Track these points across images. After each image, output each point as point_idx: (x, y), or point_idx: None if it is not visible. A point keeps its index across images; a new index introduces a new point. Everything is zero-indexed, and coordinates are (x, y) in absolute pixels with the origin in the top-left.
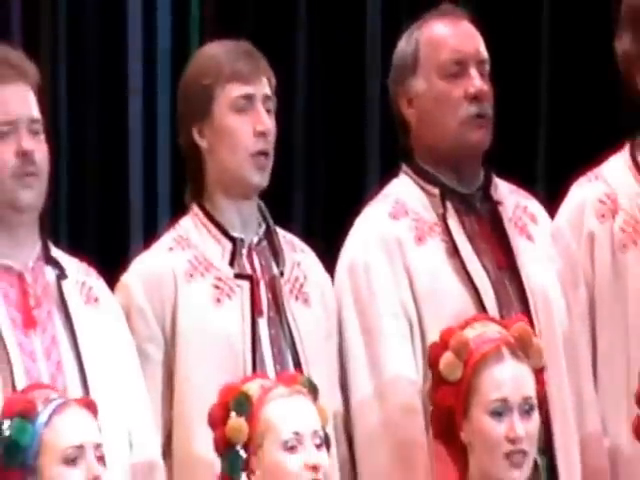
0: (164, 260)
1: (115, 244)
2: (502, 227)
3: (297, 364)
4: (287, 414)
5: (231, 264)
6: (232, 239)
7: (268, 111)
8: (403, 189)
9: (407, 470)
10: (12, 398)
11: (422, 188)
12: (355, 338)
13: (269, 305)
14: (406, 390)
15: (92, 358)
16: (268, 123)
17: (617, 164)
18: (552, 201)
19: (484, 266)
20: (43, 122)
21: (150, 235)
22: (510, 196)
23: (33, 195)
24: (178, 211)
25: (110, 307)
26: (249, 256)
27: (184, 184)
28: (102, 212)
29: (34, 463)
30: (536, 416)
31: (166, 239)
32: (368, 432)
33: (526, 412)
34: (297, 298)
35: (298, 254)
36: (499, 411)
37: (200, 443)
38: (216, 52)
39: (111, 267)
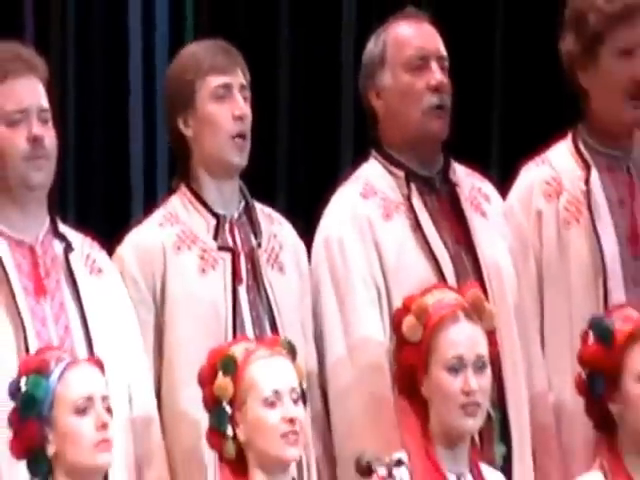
0: (155, 234)
1: (117, 220)
2: (459, 206)
3: (273, 327)
4: (268, 374)
5: (215, 238)
6: (216, 215)
7: (244, 98)
8: (372, 172)
9: (376, 421)
10: (28, 358)
11: (389, 171)
12: (330, 304)
13: (248, 274)
14: (375, 350)
15: (96, 322)
16: (244, 108)
17: (561, 150)
18: (504, 183)
19: (444, 241)
20: (51, 111)
21: (149, 213)
22: (466, 178)
23: (43, 176)
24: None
25: (112, 277)
26: (231, 230)
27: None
28: (105, 191)
29: (48, 414)
30: (488, 372)
31: (156, 215)
32: (341, 387)
33: (479, 368)
34: (273, 267)
35: (275, 226)
36: (455, 367)
37: (186, 400)
38: (195, 50)
39: (114, 240)
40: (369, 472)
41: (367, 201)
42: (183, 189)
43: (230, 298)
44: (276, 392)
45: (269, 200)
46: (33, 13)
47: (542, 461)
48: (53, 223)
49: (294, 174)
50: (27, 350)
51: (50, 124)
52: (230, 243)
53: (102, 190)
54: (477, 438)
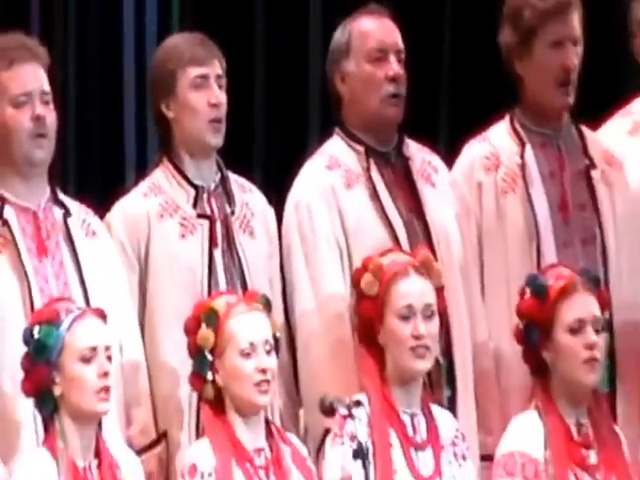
0: (140, 203)
1: (112, 190)
2: (412, 178)
3: (244, 286)
4: (245, 328)
5: (194, 207)
6: (195, 187)
7: (220, 87)
8: (336, 147)
9: (338, 366)
10: (40, 309)
11: (350, 147)
12: (298, 262)
13: (223, 239)
14: (338, 303)
15: (92, 279)
16: (220, 96)
17: (500, 129)
18: (450, 157)
19: (398, 208)
20: (52, 94)
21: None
22: (418, 153)
23: (44, 152)
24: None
25: (105, 239)
26: (208, 200)
27: None
28: (101, 164)
29: (57, 360)
30: (436, 320)
31: (141, 187)
32: (307, 336)
33: (427, 316)
34: (245, 232)
35: (247, 194)
36: (406, 315)
37: (165, 350)
38: (177, 42)
39: (108, 208)
40: (331, 412)
41: (331, 172)
42: (166, 163)
43: (207, 260)
44: (251, 344)
45: (246, 173)
46: (39, 8)
47: (483, 403)
48: (53, 192)
49: (268, 150)
50: (31, 302)
51: (51, 105)
52: (207, 211)
53: (98, 164)
54: (428, 382)
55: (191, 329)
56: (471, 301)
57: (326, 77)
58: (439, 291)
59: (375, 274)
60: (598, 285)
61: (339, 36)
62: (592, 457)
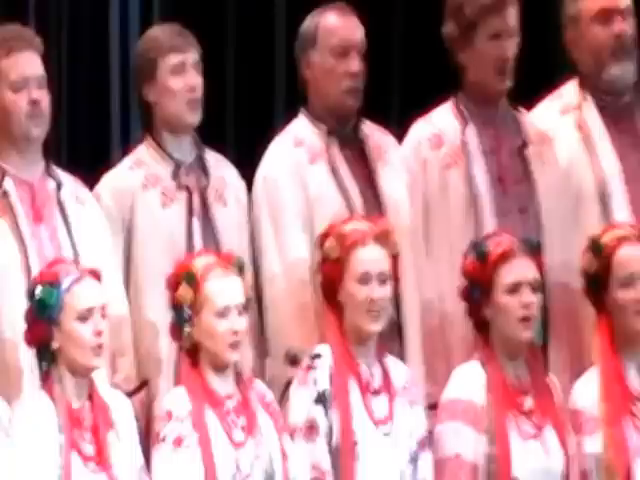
0: (126, 176)
1: (99, 164)
2: (367, 155)
3: (218, 250)
4: (220, 291)
5: (174, 179)
6: (174, 161)
7: (196, 72)
8: (301, 127)
9: (301, 323)
10: (42, 270)
11: (314, 127)
12: (266, 231)
13: (200, 208)
14: (302, 268)
15: (81, 242)
16: (196, 80)
17: (444, 111)
18: (400, 136)
19: (355, 182)
20: (46, 79)
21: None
22: (373, 133)
23: (39, 130)
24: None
25: (93, 207)
26: (186, 173)
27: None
28: (90, 142)
29: (56, 318)
30: (389, 285)
31: (127, 161)
32: (275, 297)
33: (382, 282)
34: (219, 202)
35: (221, 169)
36: (363, 280)
37: (147, 307)
38: (157, 33)
39: (96, 179)
40: (296, 362)
41: (296, 149)
42: (148, 140)
43: (185, 226)
44: (226, 307)
45: (220, 149)
46: (35, 4)
47: (430, 356)
48: (47, 166)
49: (239, 128)
50: (28, 262)
51: (45, 90)
52: (186, 183)
53: (87, 141)
54: (382, 337)
55: (172, 285)
56: (419, 264)
57: (291, 64)
58: (394, 258)
59: (337, 240)
60: (535, 250)
61: (308, 26)
62: (528, 402)
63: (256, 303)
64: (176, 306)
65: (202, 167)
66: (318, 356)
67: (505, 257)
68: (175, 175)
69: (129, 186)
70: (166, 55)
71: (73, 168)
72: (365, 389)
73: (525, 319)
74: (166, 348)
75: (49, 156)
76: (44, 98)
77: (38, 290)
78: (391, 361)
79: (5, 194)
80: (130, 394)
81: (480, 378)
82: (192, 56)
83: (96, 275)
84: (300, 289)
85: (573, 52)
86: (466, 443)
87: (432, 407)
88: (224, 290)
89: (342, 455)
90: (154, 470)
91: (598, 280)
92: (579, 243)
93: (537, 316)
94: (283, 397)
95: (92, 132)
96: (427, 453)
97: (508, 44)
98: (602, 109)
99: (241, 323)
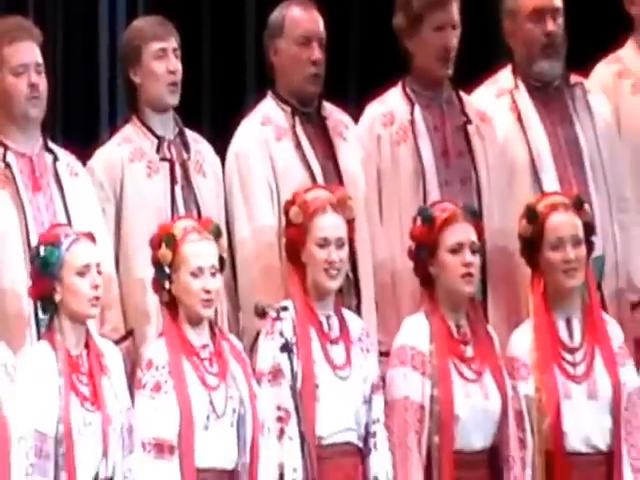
0: (115, 151)
1: (90, 140)
2: (328, 133)
3: (199, 215)
4: (195, 253)
5: (157, 152)
6: (158, 137)
7: (176, 57)
8: (268, 107)
9: (268, 281)
10: (45, 233)
11: (280, 107)
12: (238, 200)
13: (182, 178)
14: (269, 233)
15: (75, 210)
16: (176, 65)
17: (395, 93)
18: (357, 115)
19: (317, 157)
20: (44, 65)
21: (112, 136)
22: (333, 112)
23: (38, 111)
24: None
25: (85, 179)
26: (169, 147)
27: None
28: (82, 121)
29: (58, 274)
30: (346, 248)
31: (115, 138)
32: (245, 258)
33: (339, 246)
34: (198, 173)
35: (199, 145)
36: (322, 244)
37: (136, 266)
38: (141, 24)
39: (88, 154)
40: (264, 314)
41: (264, 127)
42: (134, 119)
43: (169, 195)
44: (199, 268)
45: (197, 128)
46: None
47: (382, 309)
48: (45, 142)
49: (214, 108)
50: (27, 227)
51: (43, 75)
52: (168, 156)
53: (80, 120)
54: (340, 292)
55: (154, 245)
56: (372, 228)
57: (260, 51)
58: (350, 223)
59: (300, 207)
60: (475, 217)
61: (276, 17)
62: (469, 351)
63: (230, 264)
64: (157, 264)
65: (183, 142)
66: (284, 309)
67: (449, 221)
68: (159, 149)
69: (118, 159)
70: (149, 42)
71: (67, 144)
72: (325, 338)
73: (465, 276)
74: (153, 302)
75: (46, 133)
76: (42, 82)
77: (41, 250)
78: (348, 314)
79: (7, 166)
80: (116, 343)
81: (425, 328)
82: (172, 44)
83: (91, 237)
84: (267, 251)
85: (509, 42)
86: (414, 386)
87: (384, 354)
88: (198, 252)
89: (304, 397)
90: (136, 413)
91: (532, 243)
92: (514, 210)
93: (477, 275)
94: (253, 346)
95: (84, 112)
96: (379, 395)
97: (450, 35)
98: (533, 93)
99: (214, 283)
